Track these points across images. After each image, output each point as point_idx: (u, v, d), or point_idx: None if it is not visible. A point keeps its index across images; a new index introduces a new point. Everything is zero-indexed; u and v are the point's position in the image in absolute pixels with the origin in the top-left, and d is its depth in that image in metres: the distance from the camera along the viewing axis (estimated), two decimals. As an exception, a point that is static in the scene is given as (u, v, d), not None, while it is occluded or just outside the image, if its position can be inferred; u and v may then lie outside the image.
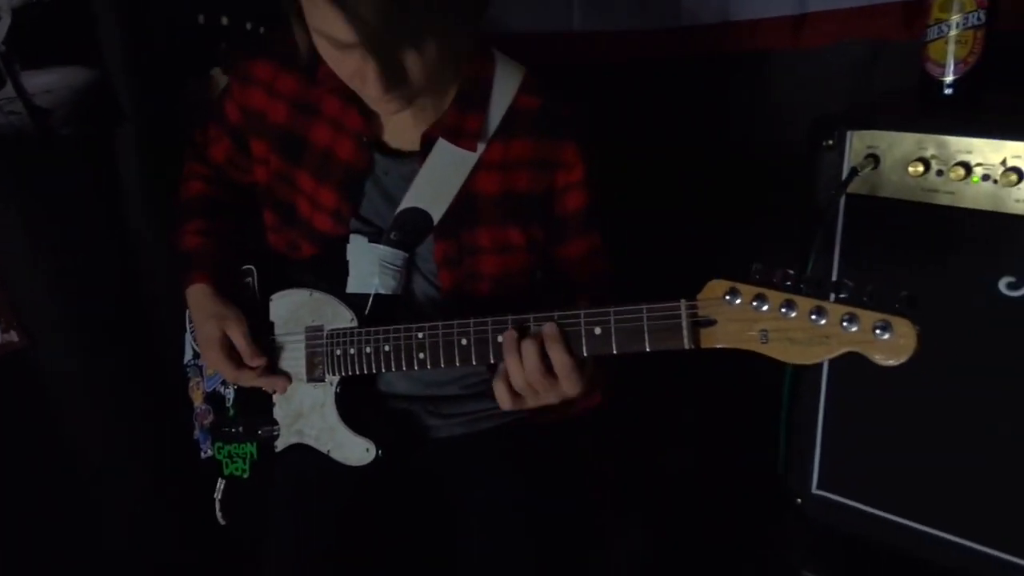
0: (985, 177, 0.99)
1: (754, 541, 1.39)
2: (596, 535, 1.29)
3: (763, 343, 0.90)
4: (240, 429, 1.38)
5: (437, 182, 1.21)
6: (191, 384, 1.46)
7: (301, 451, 1.30)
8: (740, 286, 0.90)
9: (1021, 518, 1.10)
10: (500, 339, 1.05)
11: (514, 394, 1.06)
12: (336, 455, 1.27)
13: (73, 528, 1.71)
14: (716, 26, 1.69)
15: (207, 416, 1.42)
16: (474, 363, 1.10)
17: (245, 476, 1.37)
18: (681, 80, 1.75)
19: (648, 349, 0.97)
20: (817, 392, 1.19)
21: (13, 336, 1.60)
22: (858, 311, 0.84)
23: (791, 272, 0.88)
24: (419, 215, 1.22)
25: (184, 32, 1.85)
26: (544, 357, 1.02)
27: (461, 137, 1.20)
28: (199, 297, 1.31)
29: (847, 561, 1.22)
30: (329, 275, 1.26)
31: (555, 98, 1.23)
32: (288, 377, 1.30)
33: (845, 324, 0.85)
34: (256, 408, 1.36)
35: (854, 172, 1.03)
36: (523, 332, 1.04)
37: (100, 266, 1.73)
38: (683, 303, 0.94)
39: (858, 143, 1.07)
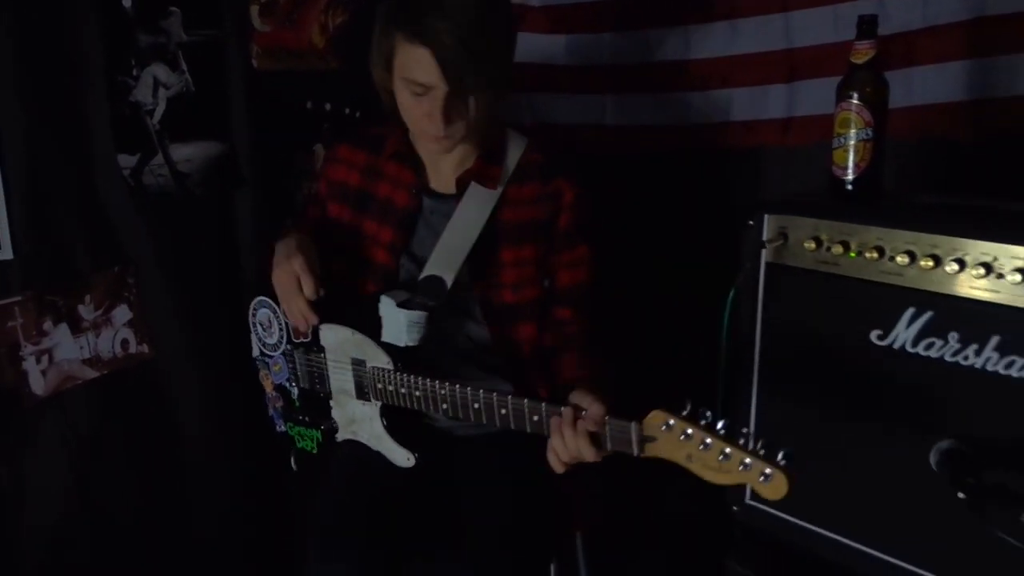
0: (859, 253, 1.30)
1: (693, 540, 1.68)
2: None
3: (688, 462, 1.21)
4: (307, 418, 1.72)
5: (469, 215, 1.59)
6: (261, 374, 1.79)
7: (357, 443, 1.66)
8: (674, 421, 1.21)
9: (916, 530, 1.33)
10: (536, 418, 1.37)
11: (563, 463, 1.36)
12: (384, 455, 1.62)
13: (176, 492, 2.08)
14: (719, 124, 2.03)
15: (278, 401, 1.76)
16: (484, 422, 1.44)
17: (314, 451, 1.72)
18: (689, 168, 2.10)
19: (609, 450, 1.30)
20: (747, 422, 1.49)
21: (144, 348, 2.02)
22: (752, 460, 1.15)
23: (709, 414, 1.19)
24: (437, 281, 1.57)
25: (294, 115, 2.26)
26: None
27: (486, 180, 1.60)
28: (290, 238, 1.60)
29: (766, 556, 1.50)
30: (366, 323, 1.57)
31: (552, 152, 1.64)
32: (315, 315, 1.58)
33: (741, 469, 1.16)
34: (318, 408, 1.70)
35: (762, 244, 1.35)
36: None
37: (214, 299, 2.09)
38: (633, 425, 1.25)
39: (773, 224, 1.39)
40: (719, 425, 1.19)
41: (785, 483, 1.13)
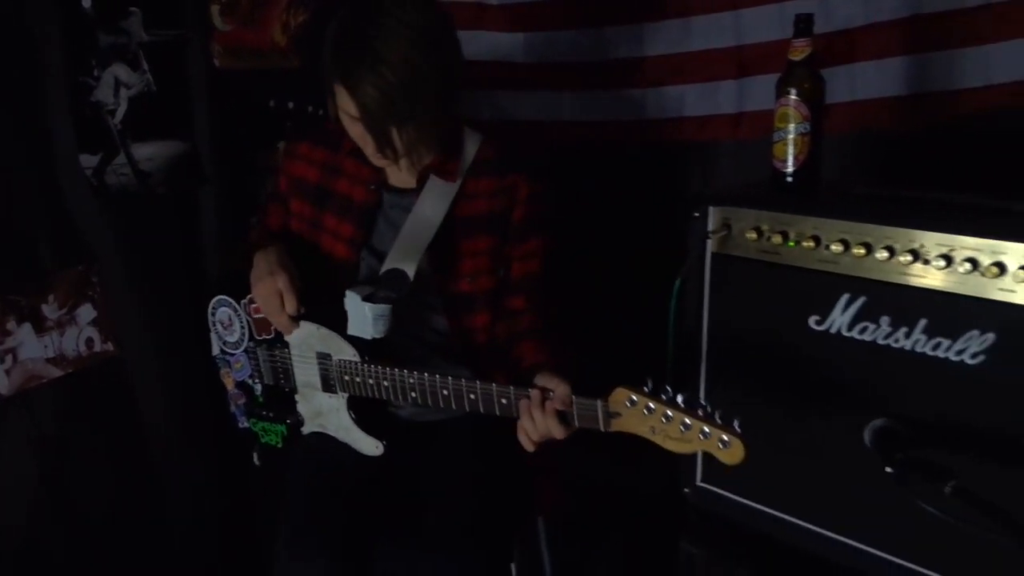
0: (797, 242, 1.35)
1: (650, 523, 1.74)
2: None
3: (652, 435, 1.29)
4: (271, 414, 1.74)
5: (429, 208, 1.63)
6: (222, 372, 1.80)
7: (323, 435, 1.69)
8: (637, 397, 1.28)
9: (855, 506, 1.39)
10: (504, 401, 1.42)
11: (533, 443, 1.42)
12: (352, 446, 1.65)
13: (144, 488, 2.11)
14: (673, 119, 2.09)
15: (240, 398, 1.78)
16: (454, 408, 1.49)
17: (279, 446, 1.74)
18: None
19: (576, 427, 1.37)
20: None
21: (110, 346, 2.04)
22: (711, 429, 1.23)
23: (669, 390, 1.27)
24: (399, 274, 1.60)
25: (257, 113, 2.29)
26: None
27: (445, 174, 1.64)
28: (270, 252, 1.62)
29: (718, 535, 1.56)
30: (331, 317, 1.59)
31: (507, 148, 1.68)
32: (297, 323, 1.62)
33: (701, 437, 1.24)
34: (282, 403, 1.72)
35: (707, 235, 1.41)
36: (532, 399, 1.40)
37: (178, 296, 2.12)
38: (599, 403, 1.32)
39: (718, 215, 1.44)
40: (679, 399, 1.27)
41: (742, 448, 1.21)
